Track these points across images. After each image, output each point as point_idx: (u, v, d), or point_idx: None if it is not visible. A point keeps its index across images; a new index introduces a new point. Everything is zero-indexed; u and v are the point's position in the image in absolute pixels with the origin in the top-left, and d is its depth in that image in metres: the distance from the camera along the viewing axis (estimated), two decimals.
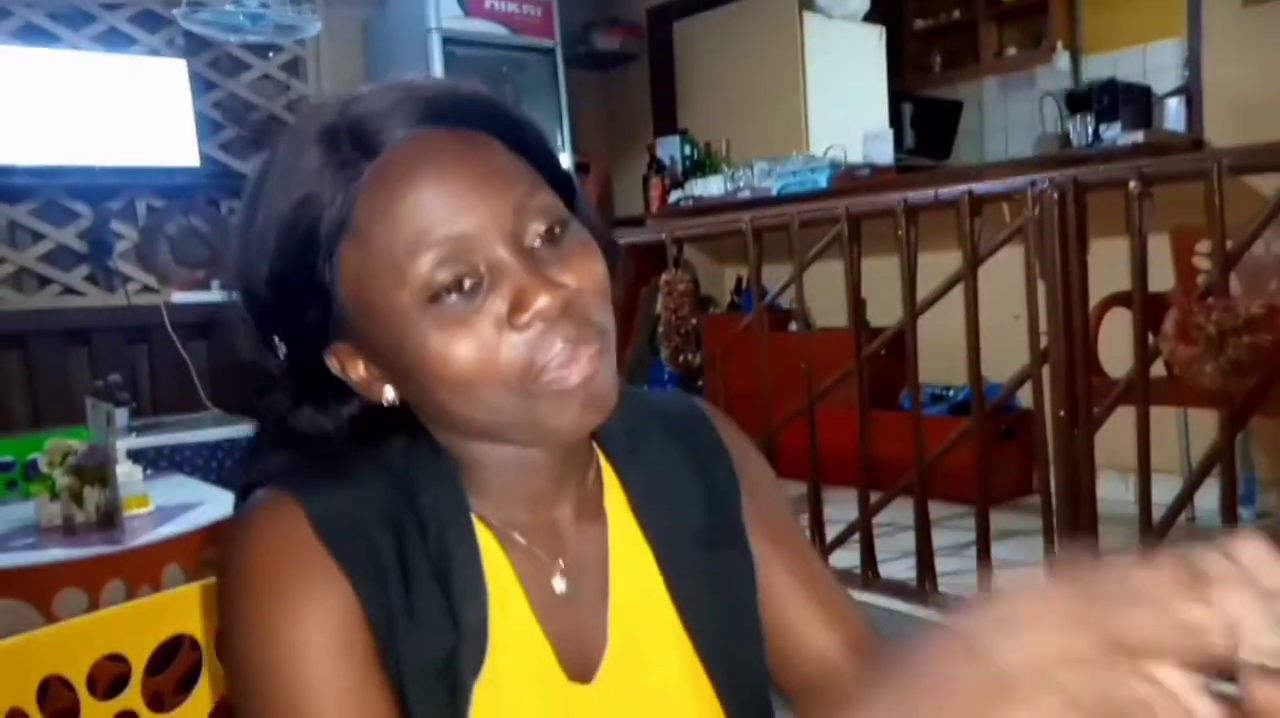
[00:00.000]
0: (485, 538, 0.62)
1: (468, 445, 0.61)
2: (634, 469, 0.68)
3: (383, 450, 0.62)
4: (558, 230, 0.57)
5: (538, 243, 0.57)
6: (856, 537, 2.50)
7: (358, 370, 0.60)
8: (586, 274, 0.58)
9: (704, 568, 0.67)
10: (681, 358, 2.81)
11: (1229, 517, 1.87)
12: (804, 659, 0.71)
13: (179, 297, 3.49)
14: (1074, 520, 2.06)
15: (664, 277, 2.81)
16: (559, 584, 0.64)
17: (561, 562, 0.64)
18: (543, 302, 0.54)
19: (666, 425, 0.72)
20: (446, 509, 0.61)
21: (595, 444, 0.69)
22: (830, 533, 2.60)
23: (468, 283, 0.55)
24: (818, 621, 0.71)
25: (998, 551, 2.26)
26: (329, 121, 0.57)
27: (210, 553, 1.64)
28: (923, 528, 2.33)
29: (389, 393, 0.60)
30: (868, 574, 2.47)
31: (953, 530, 2.52)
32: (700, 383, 3.12)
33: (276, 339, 0.61)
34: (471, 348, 0.55)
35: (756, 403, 2.71)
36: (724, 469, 0.72)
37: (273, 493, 0.59)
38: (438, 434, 0.62)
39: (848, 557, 2.53)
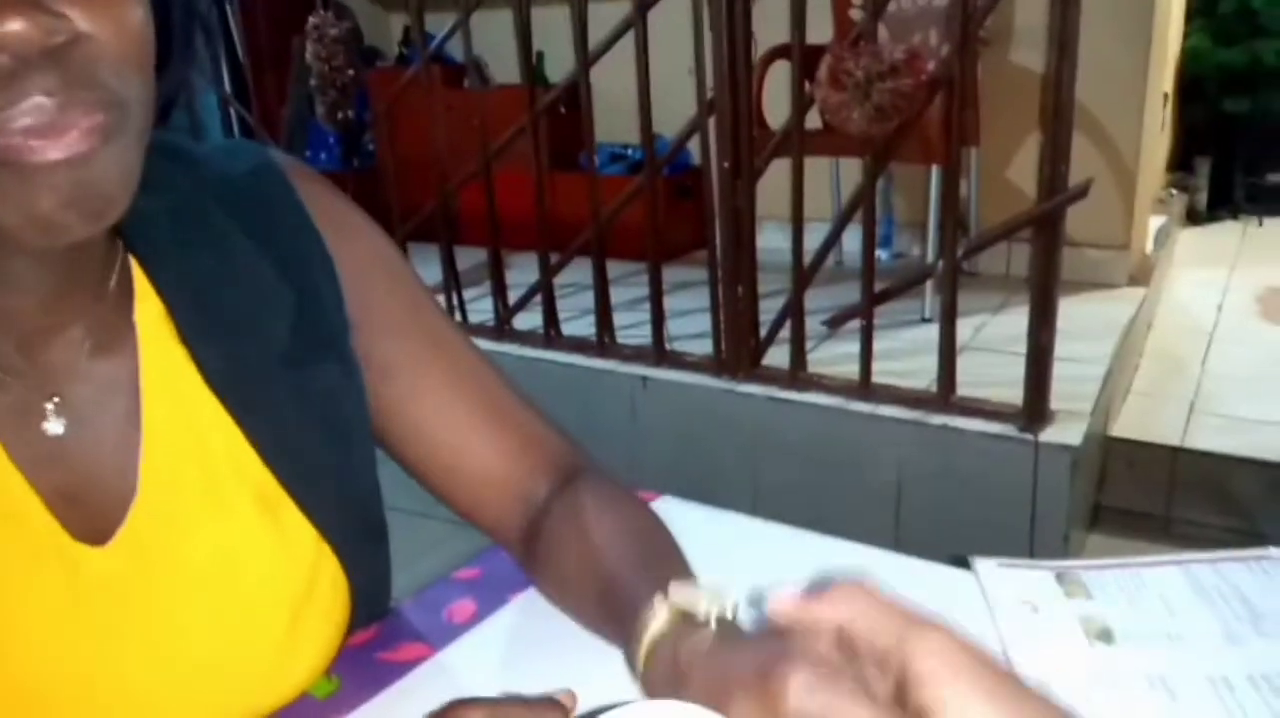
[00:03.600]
0: None
1: None
2: (176, 271, 0.54)
3: None
4: None
5: None
6: (539, 299, 2.50)
7: None
8: (108, 18, 0.41)
9: (284, 389, 0.55)
10: (340, 115, 2.53)
11: (868, 258, 2.03)
12: (459, 463, 0.62)
13: None
14: (736, 269, 2.16)
15: (311, 20, 2.45)
16: (53, 427, 0.50)
17: (56, 399, 0.51)
18: (13, 25, 0.37)
19: (230, 199, 0.56)
20: None
21: (119, 240, 0.53)
22: (513, 297, 2.57)
23: None
24: (468, 421, 0.61)
25: (671, 302, 2.35)
26: None
27: None
28: (601, 286, 2.36)
29: None
30: (550, 333, 2.50)
31: (630, 287, 2.58)
32: (368, 144, 2.86)
33: None
34: None
35: (431, 166, 2.54)
36: (311, 253, 0.57)
37: None
38: None
39: (530, 319, 2.54)
